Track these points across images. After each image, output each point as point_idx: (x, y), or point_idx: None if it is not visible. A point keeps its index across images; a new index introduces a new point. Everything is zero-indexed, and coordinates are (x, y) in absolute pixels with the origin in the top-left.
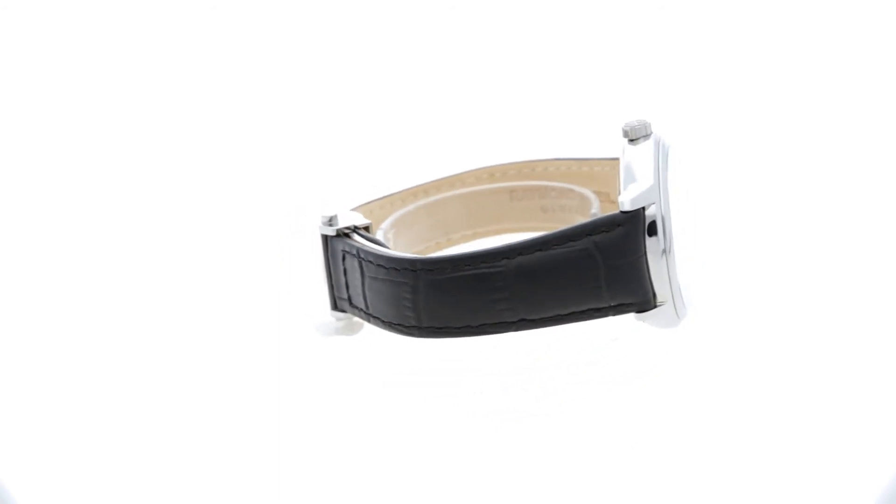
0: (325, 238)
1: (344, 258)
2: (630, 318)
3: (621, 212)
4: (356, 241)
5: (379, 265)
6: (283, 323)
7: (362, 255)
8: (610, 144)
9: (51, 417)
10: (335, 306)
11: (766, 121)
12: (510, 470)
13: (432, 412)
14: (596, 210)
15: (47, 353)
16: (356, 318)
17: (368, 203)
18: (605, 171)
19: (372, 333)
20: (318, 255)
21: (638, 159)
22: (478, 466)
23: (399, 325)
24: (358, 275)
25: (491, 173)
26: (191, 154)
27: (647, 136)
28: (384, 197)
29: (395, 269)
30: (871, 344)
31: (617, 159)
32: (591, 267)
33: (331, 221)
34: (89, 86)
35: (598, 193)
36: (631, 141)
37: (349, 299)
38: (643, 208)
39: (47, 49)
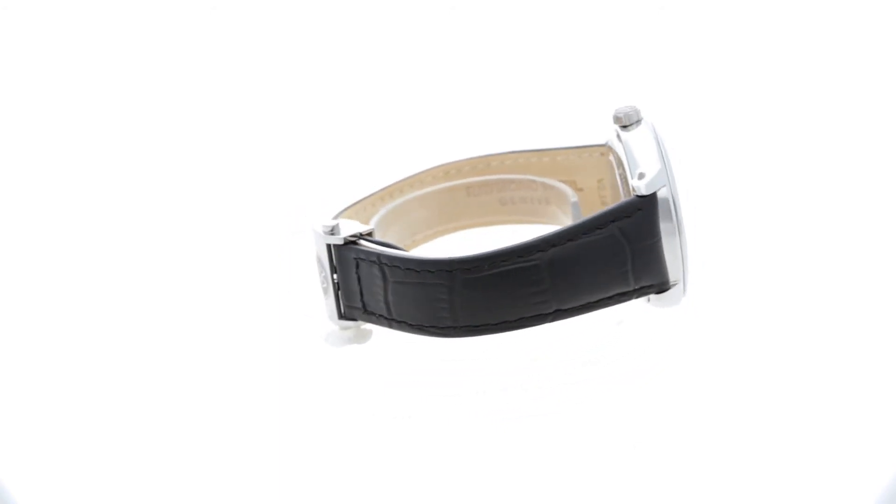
0: (331, 247)
1: (358, 265)
2: (631, 303)
3: (637, 196)
4: (373, 248)
5: (408, 269)
6: (281, 324)
7: (384, 261)
8: (571, 135)
9: (47, 417)
10: (343, 315)
11: (753, 115)
12: (509, 470)
13: (432, 412)
14: (576, 200)
15: (45, 353)
16: (365, 326)
17: (345, 210)
18: (569, 159)
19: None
20: (314, 265)
21: (638, 144)
22: (477, 466)
23: (432, 326)
24: (379, 281)
25: (446, 171)
26: (169, 156)
27: (638, 122)
28: (356, 203)
29: (429, 272)
30: (872, 342)
31: (582, 147)
32: (620, 252)
33: (333, 231)
34: (82, 85)
35: (565, 183)
36: (624, 127)
37: (363, 307)
38: (656, 192)
39: (43, 49)
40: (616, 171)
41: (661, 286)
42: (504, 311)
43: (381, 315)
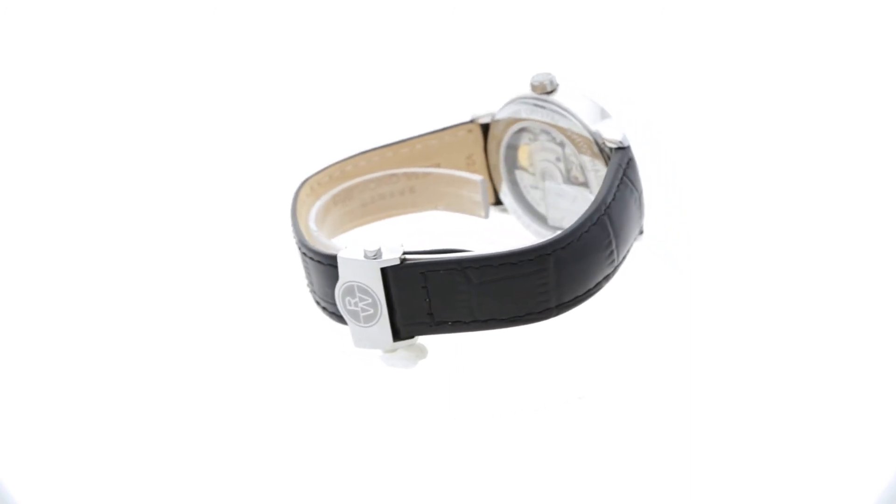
0: (387, 271)
1: (426, 278)
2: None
3: (617, 148)
4: (448, 256)
5: (502, 264)
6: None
7: (470, 265)
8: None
9: (42, 417)
10: (399, 336)
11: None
12: (508, 470)
13: (430, 414)
14: (481, 178)
15: (42, 352)
16: (421, 341)
17: None
18: (429, 145)
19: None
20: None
21: (579, 105)
22: (475, 467)
23: (529, 314)
24: (462, 287)
25: (312, 187)
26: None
27: (558, 85)
28: None
29: (528, 261)
30: (869, 342)
31: (443, 130)
32: (638, 203)
33: (377, 254)
34: (59, 82)
35: (436, 166)
36: (549, 93)
37: (431, 320)
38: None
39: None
40: (501, 141)
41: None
42: (590, 278)
43: (456, 321)
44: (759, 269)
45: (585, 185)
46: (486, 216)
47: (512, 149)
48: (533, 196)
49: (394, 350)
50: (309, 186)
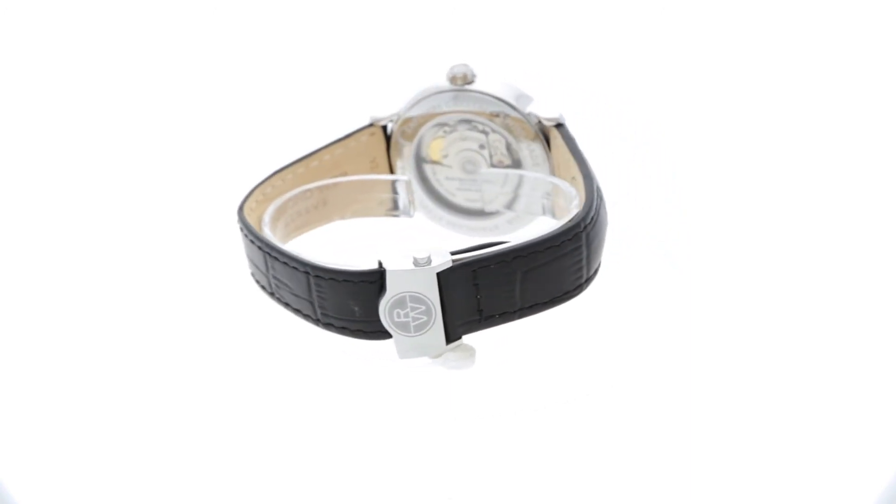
0: (440, 275)
1: (476, 276)
2: None
3: (555, 126)
4: (495, 250)
5: (547, 248)
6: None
7: (519, 254)
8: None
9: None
10: (449, 339)
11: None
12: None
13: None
14: (388, 178)
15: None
16: (467, 340)
17: None
18: (335, 154)
19: None
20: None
21: (504, 91)
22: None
23: (566, 293)
24: (512, 277)
25: (248, 211)
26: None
27: (476, 75)
28: None
29: (567, 241)
30: (869, 341)
31: (346, 137)
32: None
33: (428, 261)
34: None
35: (343, 174)
36: (469, 83)
37: (480, 316)
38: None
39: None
40: (413, 139)
41: None
42: (602, 249)
43: (503, 313)
44: (758, 268)
45: (513, 166)
46: (411, 215)
47: (422, 145)
48: (448, 188)
49: (440, 355)
50: (247, 211)
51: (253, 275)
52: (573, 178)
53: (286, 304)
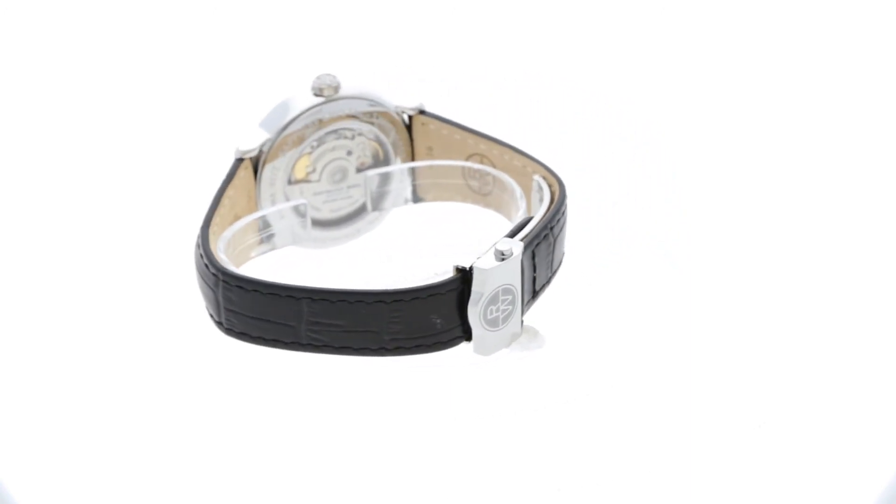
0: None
1: (534, 255)
2: None
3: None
4: (537, 222)
5: (564, 212)
6: None
7: (553, 223)
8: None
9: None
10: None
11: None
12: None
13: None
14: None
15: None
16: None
17: None
18: (230, 196)
19: None
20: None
21: (371, 89)
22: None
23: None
24: (553, 248)
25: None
26: None
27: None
28: None
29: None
30: (868, 340)
31: (227, 184)
32: None
33: (509, 251)
34: None
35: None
36: (336, 89)
37: (533, 293)
38: None
39: None
40: (281, 163)
41: None
42: None
43: (543, 284)
44: (758, 268)
45: (383, 163)
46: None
47: (290, 167)
48: (314, 203)
49: (513, 342)
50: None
51: (261, 337)
52: (474, 155)
53: (321, 348)
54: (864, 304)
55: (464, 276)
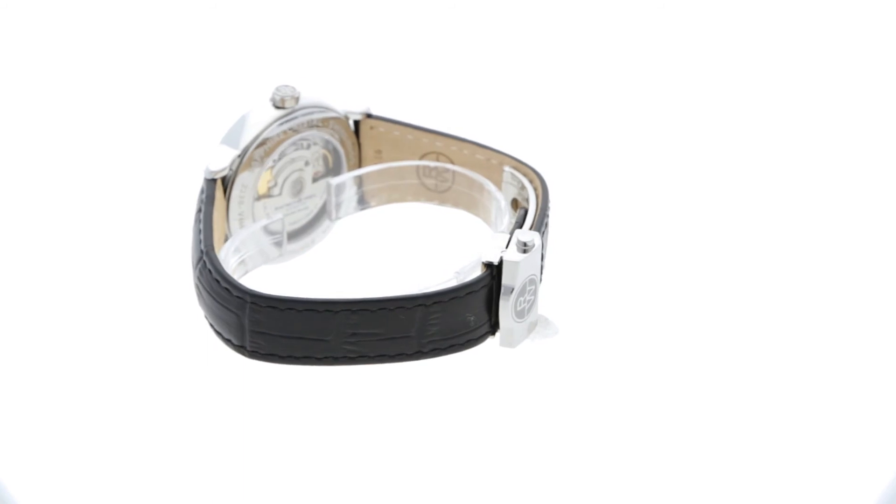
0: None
1: (544, 245)
2: None
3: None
4: (538, 210)
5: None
6: None
7: (547, 210)
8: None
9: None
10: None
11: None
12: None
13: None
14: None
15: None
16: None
17: None
18: (217, 221)
19: None
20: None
21: (325, 97)
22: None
23: None
24: (548, 232)
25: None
26: None
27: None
28: None
29: None
30: (867, 341)
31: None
32: None
33: (531, 241)
34: None
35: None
36: (296, 100)
37: (540, 282)
38: None
39: None
40: (250, 179)
41: None
42: None
43: (540, 271)
44: (758, 268)
45: (335, 170)
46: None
47: (256, 184)
48: (273, 216)
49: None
50: None
51: (290, 356)
52: (430, 153)
53: (356, 359)
54: (864, 302)
55: (492, 271)
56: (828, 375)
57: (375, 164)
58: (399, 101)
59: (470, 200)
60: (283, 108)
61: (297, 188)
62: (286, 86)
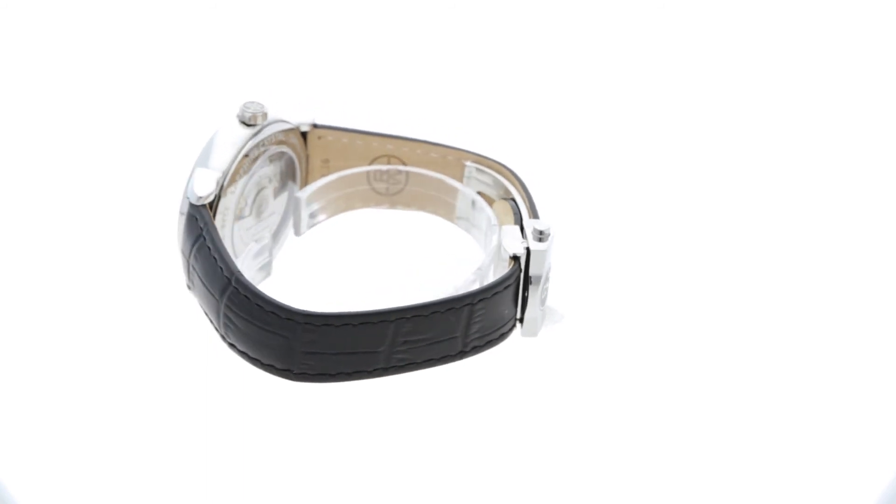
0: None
1: None
2: None
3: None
4: (529, 201)
5: None
6: None
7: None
8: None
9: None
10: None
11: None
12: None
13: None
14: None
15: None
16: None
17: None
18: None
19: None
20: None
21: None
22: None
23: None
24: None
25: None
26: None
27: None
28: None
29: None
30: (867, 341)
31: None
32: None
33: (547, 229)
34: None
35: None
36: (265, 116)
37: None
38: None
39: None
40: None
41: None
42: None
43: None
44: (758, 267)
45: (288, 184)
46: None
47: (234, 206)
48: (245, 238)
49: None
50: None
51: (341, 373)
52: (381, 157)
53: (404, 367)
54: (864, 302)
55: (519, 263)
56: (828, 375)
57: (323, 174)
58: (354, 107)
59: (426, 199)
60: (254, 125)
61: (263, 206)
62: (253, 102)
